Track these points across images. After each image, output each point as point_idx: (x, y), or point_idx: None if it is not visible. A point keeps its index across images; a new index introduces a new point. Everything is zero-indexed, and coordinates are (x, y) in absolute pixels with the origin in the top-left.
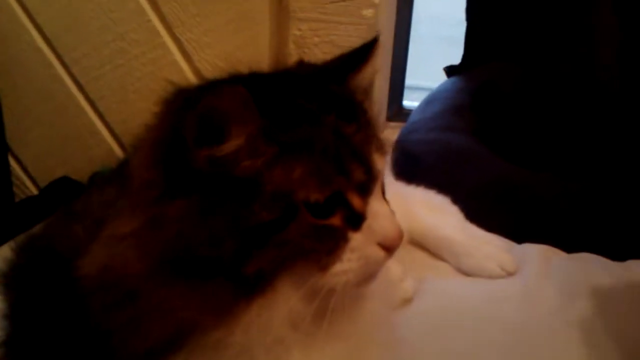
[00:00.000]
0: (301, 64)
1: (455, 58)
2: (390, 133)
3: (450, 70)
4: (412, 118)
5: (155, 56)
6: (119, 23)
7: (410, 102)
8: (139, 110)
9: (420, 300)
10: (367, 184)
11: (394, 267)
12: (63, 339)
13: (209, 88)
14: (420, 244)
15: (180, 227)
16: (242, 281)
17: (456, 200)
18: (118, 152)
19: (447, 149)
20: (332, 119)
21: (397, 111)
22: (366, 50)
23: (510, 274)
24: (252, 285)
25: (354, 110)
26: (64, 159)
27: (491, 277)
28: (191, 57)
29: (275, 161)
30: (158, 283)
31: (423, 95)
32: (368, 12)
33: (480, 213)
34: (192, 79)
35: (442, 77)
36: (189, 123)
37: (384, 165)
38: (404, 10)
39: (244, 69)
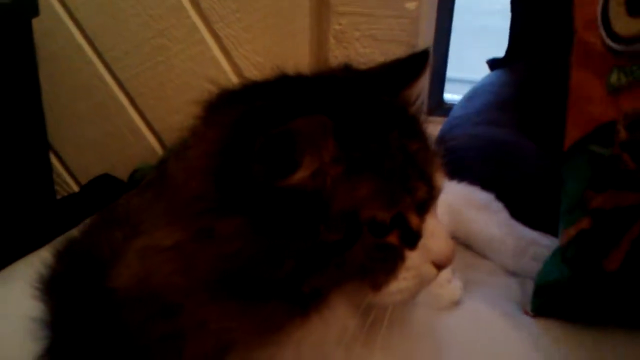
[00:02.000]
0: (348, 68)
1: (491, 49)
2: (432, 128)
3: (493, 63)
4: (455, 112)
5: (195, 52)
6: (159, 20)
7: (450, 94)
8: (179, 107)
9: (469, 300)
10: (428, 202)
11: None
12: (102, 352)
13: (282, 111)
14: (464, 243)
15: (234, 244)
16: (297, 300)
17: (501, 196)
18: (158, 149)
19: (491, 144)
20: (396, 135)
21: (438, 105)
22: (418, 64)
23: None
24: (308, 304)
25: (415, 126)
26: (104, 156)
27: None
28: (230, 53)
29: (342, 180)
30: (203, 300)
31: (462, 88)
32: (411, 5)
33: (526, 210)
34: (231, 75)
35: (480, 69)
36: (257, 149)
37: (444, 182)
38: (446, 1)
39: (287, 67)
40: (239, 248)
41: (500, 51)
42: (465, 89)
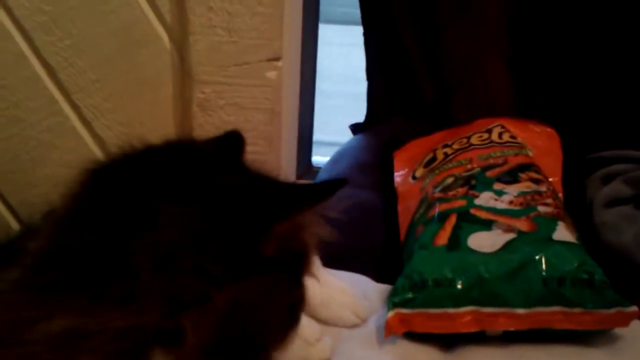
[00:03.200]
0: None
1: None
2: None
3: (355, 128)
4: (321, 176)
5: (53, 123)
6: (13, 90)
7: (321, 157)
8: (36, 180)
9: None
10: None
11: (308, 326)
12: None
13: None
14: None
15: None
16: None
17: (366, 255)
18: (13, 223)
19: (353, 205)
20: None
21: (306, 169)
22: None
23: (364, 321)
24: None
25: None
26: None
27: (346, 325)
28: (91, 124)
29: None
30: None
31: (332, 151)
32: (271, 75)
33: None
34: (93, 146)
35: (346, 132)
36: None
37: None
38: (308, 69)
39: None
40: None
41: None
42: (333, 151)
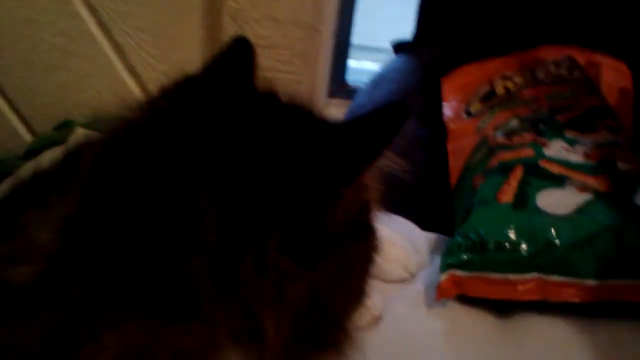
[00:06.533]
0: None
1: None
2: (334, 111)
3: (399, 47)
4: (359, 100)
5: (66, 26)
6: None
7: (356, 60)
8: (47, 88)
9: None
10: None
11: None
12: None
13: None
14: None
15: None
16: None
17: (409, 195)
18: (24, 133)
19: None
20: None
21: (340, 87)
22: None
23: (413, 276)
24: None
25: None
26: None
27: (395, 281)
28: (109, 28)
29: None
30: None
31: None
32: None
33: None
34: (110, 52)
35: (384, 37)
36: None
37: None
38: None
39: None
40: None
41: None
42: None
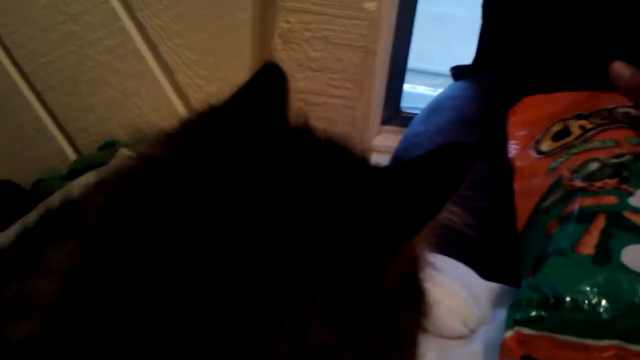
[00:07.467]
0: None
1: (452, 39)
2: (387, 139)
3: (458, 72)
4: (414, 128)
5: (114, 43)
6: (70, 3)
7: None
8: (93, 105)
9: None
10: None
11: None
12: None
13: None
14: None
15: None
16: None
17: (467, 238)
18: (69, 152)
19: None
20: None
21: (394, 113)
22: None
23: (472, 332)
24: None
25: None
26: (4, 159)
27: (451, 336)
28: (157, 47)
29: None
30: None
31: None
32: (370, 6)
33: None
34: (157, 71)
35: (439, 61)
36: None
37: None
38: (407, 6)
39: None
40: None
41: (462, 43)
42: (425, 80)
